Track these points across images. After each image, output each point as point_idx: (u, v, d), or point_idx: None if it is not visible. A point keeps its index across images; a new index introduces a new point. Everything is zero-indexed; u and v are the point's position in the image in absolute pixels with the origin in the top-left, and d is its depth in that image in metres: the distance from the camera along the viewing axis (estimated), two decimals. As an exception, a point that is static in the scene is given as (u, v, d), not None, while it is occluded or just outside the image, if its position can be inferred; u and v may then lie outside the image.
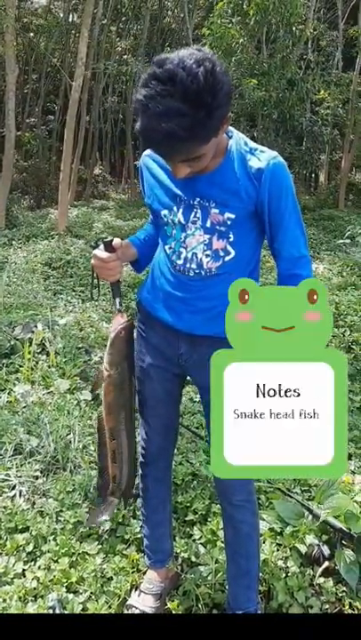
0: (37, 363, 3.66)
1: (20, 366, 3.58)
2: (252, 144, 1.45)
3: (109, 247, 1.51)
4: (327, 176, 17.74)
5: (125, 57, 15.37)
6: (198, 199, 1.44)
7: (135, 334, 1.71)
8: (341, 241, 8.67)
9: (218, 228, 1.44)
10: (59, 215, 9.45)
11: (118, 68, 13.23)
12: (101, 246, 1.52)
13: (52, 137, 18.58)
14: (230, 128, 1.43)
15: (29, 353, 3.61)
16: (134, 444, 1.68)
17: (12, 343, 3.88)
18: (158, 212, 1.52)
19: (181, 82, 1.13)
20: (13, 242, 8.24)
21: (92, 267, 1.56)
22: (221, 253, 1.45)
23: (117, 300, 1.57)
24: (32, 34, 17.29)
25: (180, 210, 1.46)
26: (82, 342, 4.09)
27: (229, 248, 1.45)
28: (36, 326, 4.13)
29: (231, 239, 1.44)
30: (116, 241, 1.51)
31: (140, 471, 1.85)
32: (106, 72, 15.41)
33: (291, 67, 10.75)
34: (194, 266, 1.47)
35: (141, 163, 1.59)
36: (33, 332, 4.00)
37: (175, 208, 1.47)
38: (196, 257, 1.46)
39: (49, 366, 3.65)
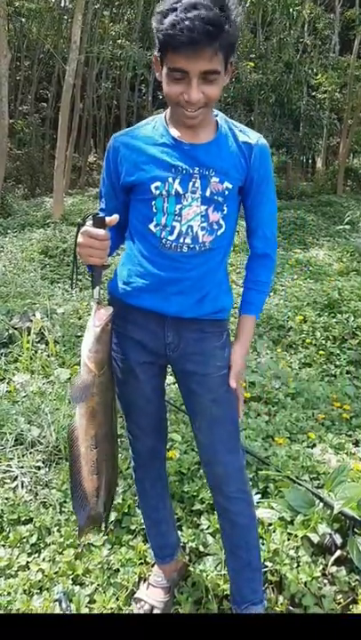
0: (36, 352, 3.60)
1: (19, 355, 3.51)
2: (237, 123, 1.51)
3: (100, 225, 1.35)
4: (325, 161, 17.61)
5: (119, 41, 15.15)
6: (198, 168, 1.40)
7: None
8: (341, 227, 8.64)
9: (216, 198, 1.42)
10: (54, 203, 9.34)
11: (113, 52, 13.03)
12: (89, 223, 1.36)
13: (45, 125, 18.40)
14: (214, 110, 1.46)
15: (28, 342, 3.55)
16: (117, 448, 1.51)
17: (10, 332, 3.81)
18: (147, 187, 1.42)
19: None
20: (9, 231, 8.15)
21: (77, 247, 1.38)
22: (215, 226, 1.44)
23: (97, 290, 1.38)
24: (24, 19, 17.01)
25: (178, 180, 1.40)
26: (81, 331, 4.02)
27: (222, 222, 1.45)
28: (34, 315, 4.06)
29: (225, 212, 1.45)
30: (110, 217, 1.35)
31: (133, 475, 1.79)
32: (100, 57, 15.20)
33: (288, 49, 10.63)
34: (188, 240, 1.42)
35: (116, 143, 1.48)
36: (31, 320, 3.93)
37: (171, 179, 1.40)
38: (192, 230, 1.42)
39: (48, 355, 3.59)
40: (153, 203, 1.43)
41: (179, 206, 1.41)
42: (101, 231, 1.34)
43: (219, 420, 1.53)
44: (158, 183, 1.41)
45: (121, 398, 1.62)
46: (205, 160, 1.40)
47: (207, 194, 1.41)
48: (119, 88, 18.79)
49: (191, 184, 1.40)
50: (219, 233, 1.45)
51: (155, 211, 1.43)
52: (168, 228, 1.42)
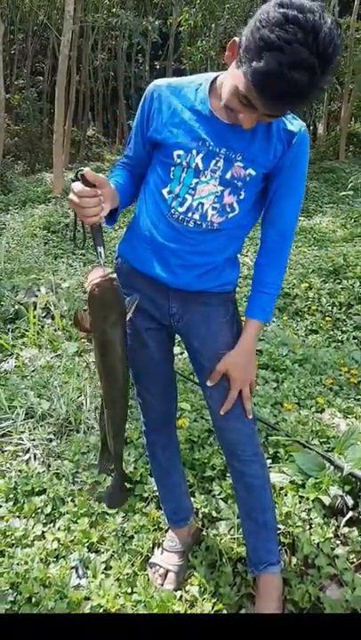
0: (43, 327, 3.60)
1: (26, 331, 3.52)
2: None
3: (87, 180, 1.23)
4: (326, 127, 17.32)
5: (114, 10, 14.79)
6: (225, 149, 1.34)
7: None
8: (344, 193, 8.53)
9: (235, 182, 1.36)
10: (54, 178, 9.26)
11: (108, 21, 12.75)
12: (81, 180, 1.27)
13: (42, 99, 18.11)
14: None
15: (34, 317, 3.55)
16: (125, 414, 1.45)
17: (16, 308, 3.81)
18: (169, 152, 1.39)
19: (323, 40, 1.06)
20: (10, 207, 8.10)
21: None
22: (228, 209, 1.39)
23: (99, 250, 1.30)
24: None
25: (201, 155, 1.35)
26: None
27: (236, 205, 1.39)
28: (39, 290, 4.05)
29: (241, 197, 1.39)
30: (90, 174, 1.22)
31: (145, 441, 1.80)
32: (95, 26, 14.87)
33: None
34: (196, 216, 1.39)
35: (155, 93, 1.41)
36: (36, 295, 3.93)
37: (194, 152, 1.36)
38: (202, 207, 1.38)
39: (55, 330, 3.60)
40: (172, 169, 1.39)
41: (195, 180, 1.37)
42: (80, 186, 1.23)
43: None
44: (181, 152, 1.36)
45: (131, 364, 1.61)
46: (235, 144, 1.34)
47: (227, 176, 1.36)
48: (115, 59, 18.43)
49: (214, 162, 1.35)
50: (230, 216, 1.40)
51: (172, 177, 1.39)
52: (180, 198, 1.39)
